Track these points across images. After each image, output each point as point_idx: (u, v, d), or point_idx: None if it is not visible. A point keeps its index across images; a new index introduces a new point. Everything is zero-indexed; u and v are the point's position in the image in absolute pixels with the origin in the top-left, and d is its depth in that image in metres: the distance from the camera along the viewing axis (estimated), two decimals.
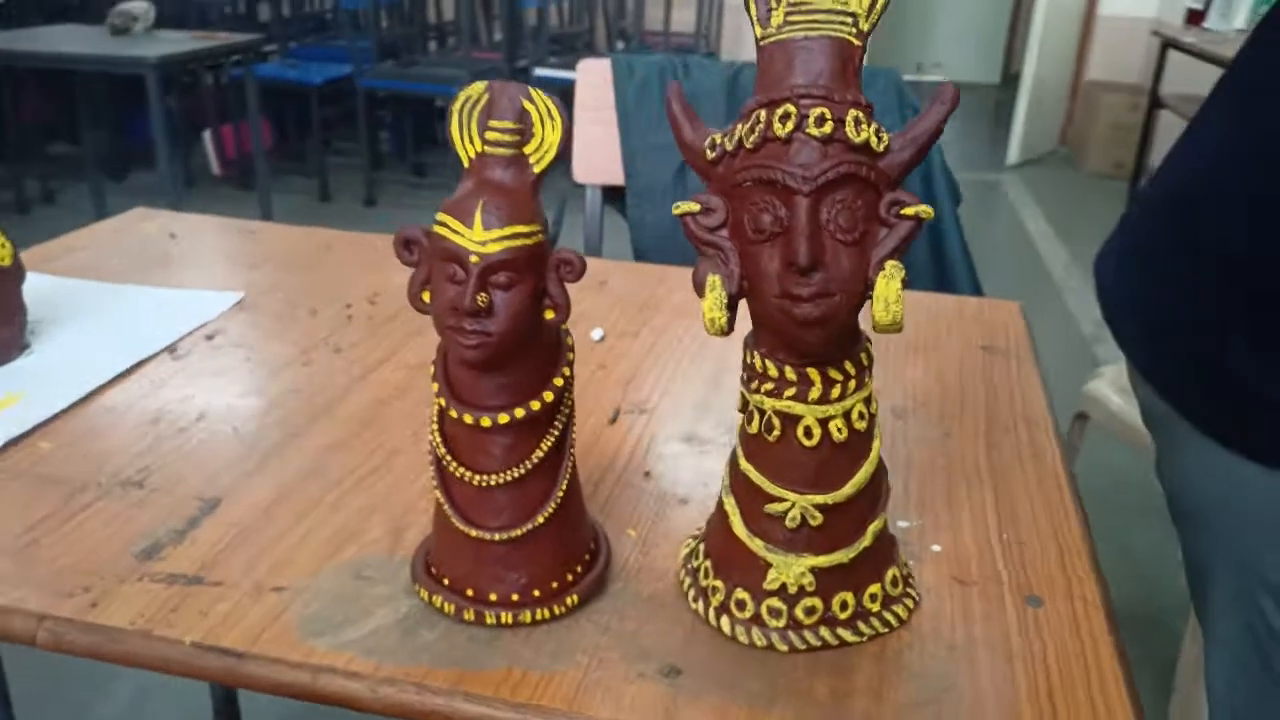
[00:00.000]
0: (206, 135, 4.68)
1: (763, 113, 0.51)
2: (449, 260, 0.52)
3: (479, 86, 0.53)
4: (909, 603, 0.60)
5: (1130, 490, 1.92)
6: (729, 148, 0.52)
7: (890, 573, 0.59)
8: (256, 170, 3.34)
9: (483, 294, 0.51)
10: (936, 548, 0.67)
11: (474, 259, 0.51)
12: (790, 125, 0.49)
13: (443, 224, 0.52)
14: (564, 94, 3.27)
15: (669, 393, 0.88)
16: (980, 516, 0.70)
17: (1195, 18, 4.34)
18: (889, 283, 0.50)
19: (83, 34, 3.52)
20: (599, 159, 1.57)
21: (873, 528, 0.57)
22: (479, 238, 0.50)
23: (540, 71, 4.86)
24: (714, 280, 0.52)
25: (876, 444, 0.57)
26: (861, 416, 0.55)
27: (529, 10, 5.14)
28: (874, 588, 0.58)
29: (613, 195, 1.61)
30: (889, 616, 0.59)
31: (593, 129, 1.58)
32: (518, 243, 0.51)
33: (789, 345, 0.52)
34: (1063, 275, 3.78)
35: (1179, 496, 0.80)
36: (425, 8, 5.39)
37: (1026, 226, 4.39)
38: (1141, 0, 5.53)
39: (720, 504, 0.60)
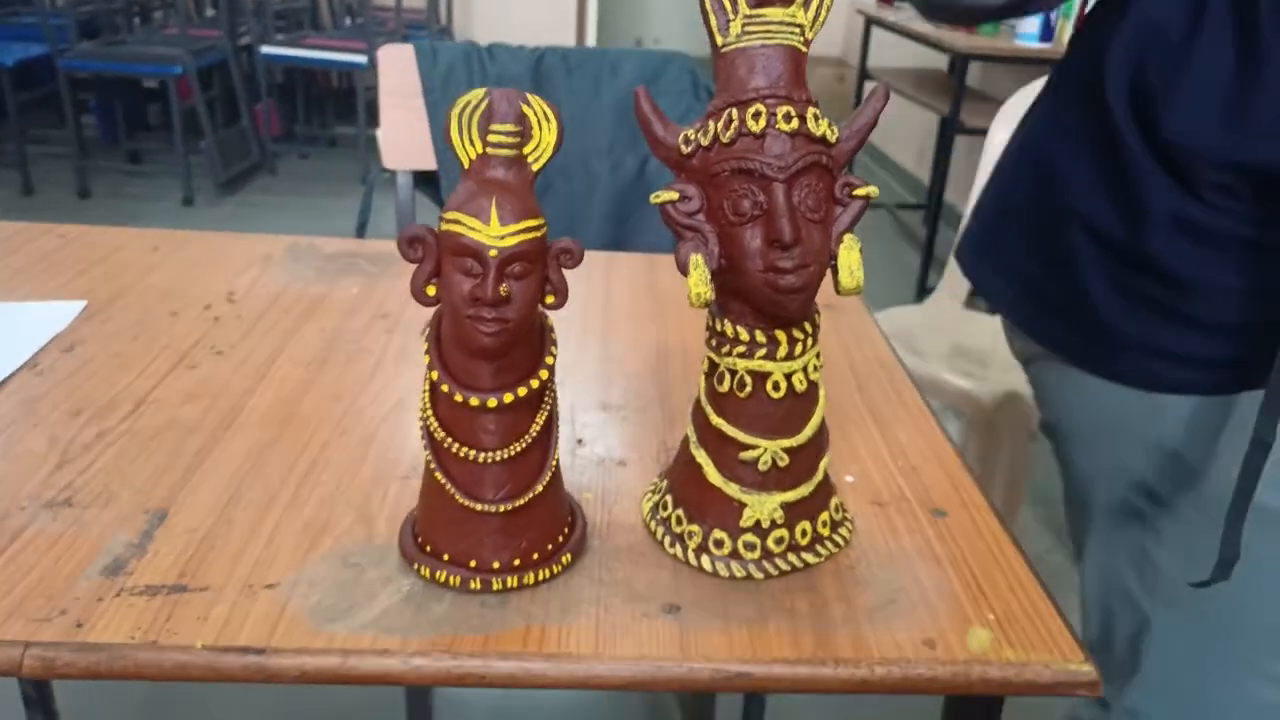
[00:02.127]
0: None
1: (734, 111, 0.58)
2: (464, 255, 0.55)
3: (478, 93, 0.56)
4: (849, 525, 0.70)
5: None
6: (704, 142, 0.59)
7: (834, 501, 0.69)
8: None
9: (502, 285, 0.55)
10: (850, 478, 0.78)
11: (493, 253, 0.55)
12: (762, 122, 0.57)
13: (455, 221, 0.55)
14: (288, 73, 3.19)
15: (571, 367, 0.93)
16: (874, 448, 0.82)
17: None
18: (850, 253, 0.60)
19: None
20: (407, 144, 1.58)
21: (823, 463, 0.67)
22: (496, 233, 0.55)
23: (266, 49, 4.63)
24: (697, 259, 0.59)
25: (823, 391, 0.66)
26: (815, 369, 0.64)
27: None
28: (824, 515, 0.68)
29: (422, 179, 1.62)
30: (838, 538, 0.68)
31: (398, 114, 1.58)
32: (530, 235, 0.56)
33: (767, 312, 0.60)
34: None
35: (1061, 424, 0.95)
36: None
37: None
38: None
39: (689, 458, 0.67)
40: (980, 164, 2.35)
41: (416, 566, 0.64)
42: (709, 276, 0.59)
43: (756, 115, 0.57)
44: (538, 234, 0.56)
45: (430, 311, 0.61)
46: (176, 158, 4.31)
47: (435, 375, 0.60)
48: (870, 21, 4.39)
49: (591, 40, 5.95)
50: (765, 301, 0.59)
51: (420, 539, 0.65)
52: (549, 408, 0.63)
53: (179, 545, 0.66)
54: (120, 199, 4.36)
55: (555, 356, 0.62)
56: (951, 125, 3.41)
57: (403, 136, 1.57)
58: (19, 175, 4.30)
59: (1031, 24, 3.40)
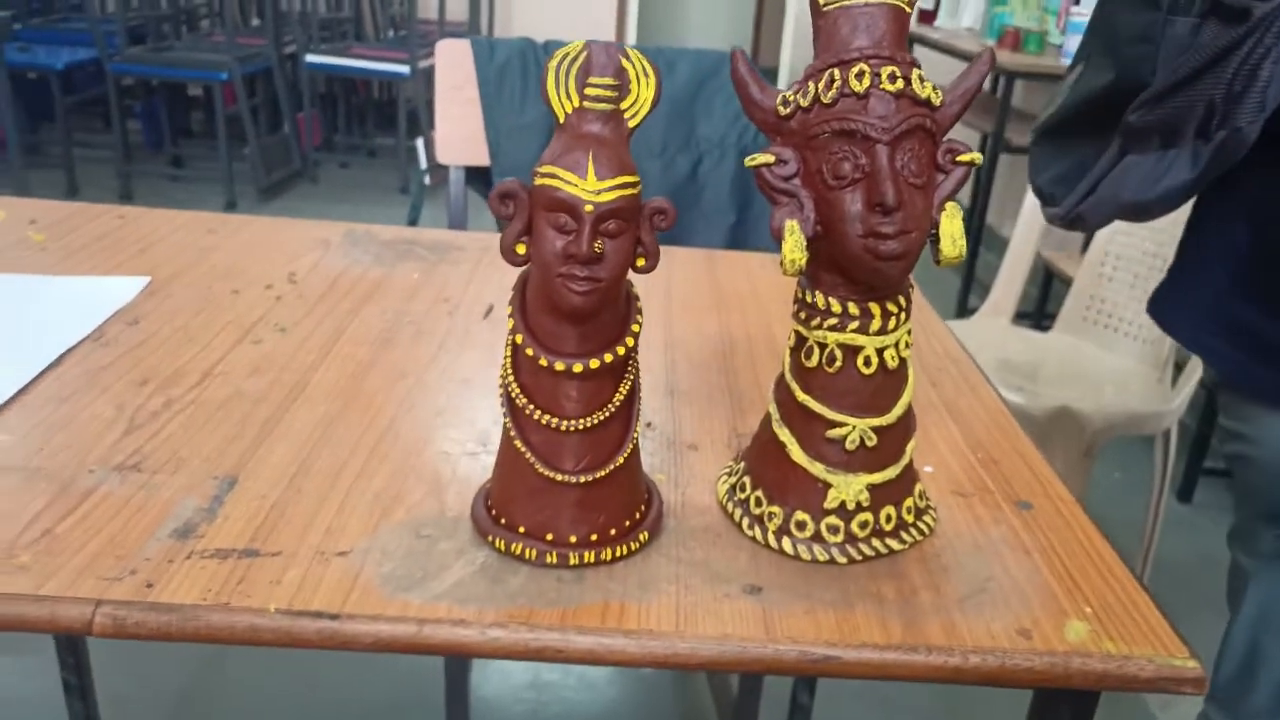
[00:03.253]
0: None
1: (837, 71, 0.56)
2: (558, 210, 0.54)
3: (577, 44, 0.55)
4: (933, 513, 0.68)
5: None
6: (803, 104, 0.57)
7: (918, 487, 0.67)
8: (12, 158, 3.03)
9: (597, 241, 0.53)
10: (929, 468, 0.75)
11: (588, 208, 0.53)
12: (866, 82, 0.55)
13: (551, 175, 0.54)
14: (328, 81, 3.20)
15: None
16: (951, 441, 0.79)
17: (926, 17, 4.78)
18: (952, 221, 0.58)
19: None
20: (461, 139, 1.57)
21: (909, 446, 0.65)
22: (593, 187, 0.53)
23: (311, 58, 4.67)
24: (792, 225, 0.57)
25: (912, 371, 0.64)
26: (907, 345, 0.62)
27: None
28: (909, 501, 0.65)
29: (473, 175, 1.61)
30: (922, 526, 0.66)
31: (453, 109, 1.57)
32: (626, 192, 0.54)
33: (865, 281, 0.58)
34: None
35: (1264, 462, 0.90)
36: None
37: None
38: None
39: (770, 437, 0.65)
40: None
41: (491, 539, 0.62)
42: (805, 243, 0.57)
43: (860, 75, 0.55)
44: (634, 191, 0.55)
45: (497, 284, 0.60)
46: (219, 163, 4.35)
47: (519, 339, 0.58)
48: (912, 40, 4.38)
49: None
50: (864, 269, 0.57)
51: (495, 511, 0.63)
52: (632, 378, 0.61)
53: (249, 511, 0.65)
54: (162, 202, 4.39)
55: (640, 325, 0.60)
56: (996, 143, 3.38)
57: (457, 131, 1.57)
58: (64, 176, 4.35)
59: (1078, 42, 3.37)
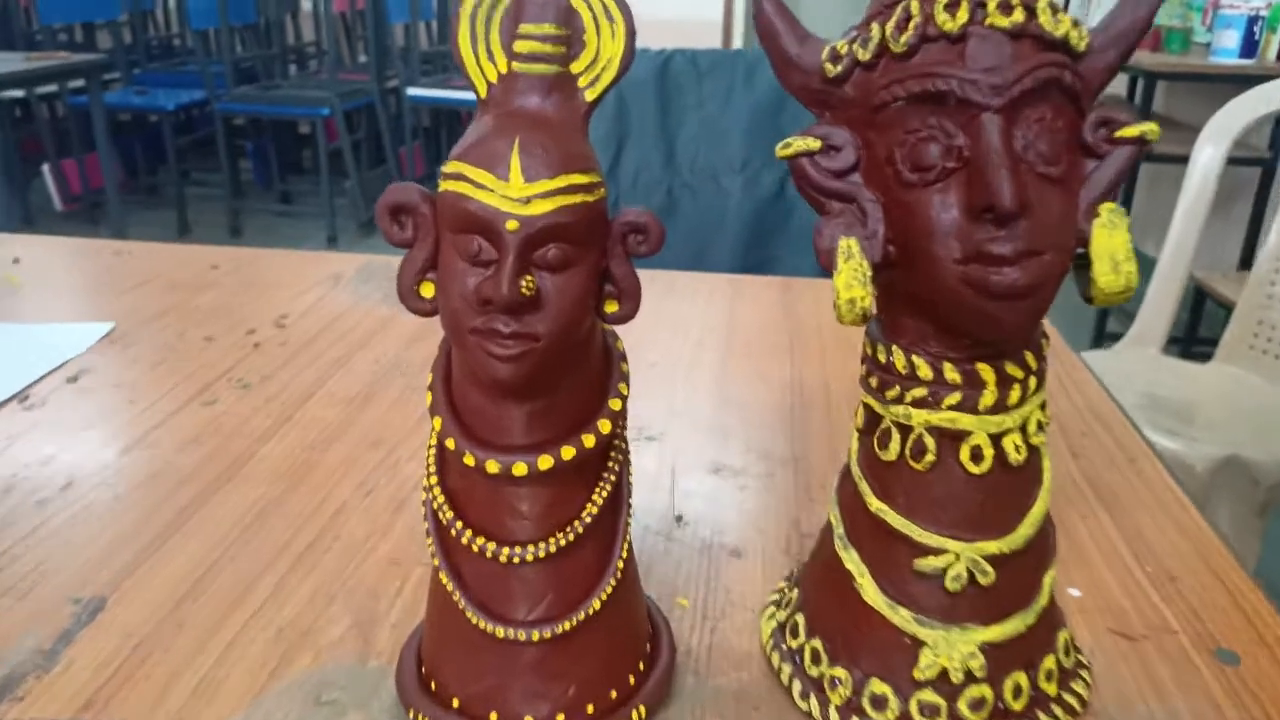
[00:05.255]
0: (46, 169, 4.28)
1: (915, 3, 0.35)
2: (470, 231, 0.34)
3: None
4: (1086, 675, 0.45)
5: None
6: (863, 57, 0.36)
7: (1061, 638, 0.44)
8: (109, 200, 3.02)
9: (527, 277, 0.33)
10: (1075, 592, 0.52)
11: (511, 225, 0.33)
12: (963, 15, 0.34)
13: (458, 176, 0.34)
14: (435, 115, 3.11)
15: (676, 414, 0.71)
16: (1107, 545, 0.56)
17: None
18: (1113, 234, 0.36)
19: None
20: None
21: (1047, 579, 0.42)
22: (518, 193, 0.33)
23: (413, 91, 4.64)
24: (849, 245, 0.36)
25: (1048, 465, 0.42)
26: (1040, 428, 0.40)
27: (395, 27, 4.91)
28: (1049, 661, 0.43)
29: None
30: (1070, 699, 0.43)
31: None
32: (574, 199, 0.34)
33: (968, 331, 0.37)
34: None
35: None
36: (283, 29, 5.09)
37: None
38: None
39: (832, 560, 0.44)
40: (1183, 190, 2.02)
41: (412, 714, 0.42)
42: (868, 273, 0.36)
43: (953, 5, 0.34)
44: (588, 198, 0.35)
45: None
46: (324, 199, 4.34)
47: (439, 423, 0.39)
48: None
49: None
50: (966, 313, 0.36)
51: (425, 669, 0.44)
52: (615, 475, 0.41)
53: (102, 655, 0.47)
54: (269, 238, 4.41)
55: (625, 397, 0.40)
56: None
57: None
58: (176, 215, 4.40)
59: (1230, 39, 3.02)
